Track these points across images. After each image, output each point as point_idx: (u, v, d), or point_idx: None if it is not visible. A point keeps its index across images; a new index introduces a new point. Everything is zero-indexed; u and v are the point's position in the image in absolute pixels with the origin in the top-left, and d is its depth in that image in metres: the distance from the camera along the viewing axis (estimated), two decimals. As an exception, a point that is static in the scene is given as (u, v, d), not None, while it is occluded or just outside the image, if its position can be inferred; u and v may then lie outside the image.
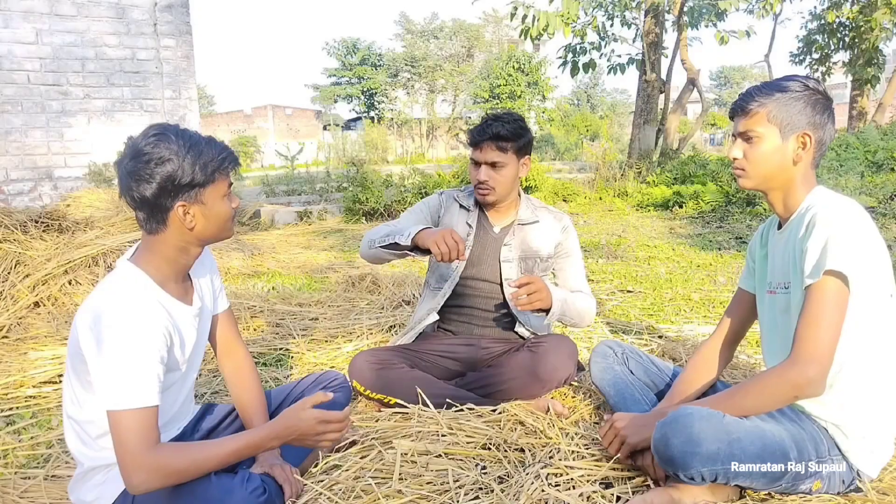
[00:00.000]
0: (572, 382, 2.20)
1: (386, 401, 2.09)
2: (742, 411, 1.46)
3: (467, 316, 2.29)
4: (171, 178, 1.34)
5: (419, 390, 2.04)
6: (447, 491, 1.57)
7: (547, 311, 2.04)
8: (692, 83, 11.42)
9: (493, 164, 2.13)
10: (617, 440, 1.62)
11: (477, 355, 2.23)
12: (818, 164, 1.59)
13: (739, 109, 1.59)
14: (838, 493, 1.50)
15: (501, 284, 2.24)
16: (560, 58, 11.50)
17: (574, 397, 2.19)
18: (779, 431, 1.44)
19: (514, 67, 29.61)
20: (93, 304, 1.34)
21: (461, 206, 2.31)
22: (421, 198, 8.18)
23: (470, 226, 2.27)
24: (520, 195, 2.30)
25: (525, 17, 9.62)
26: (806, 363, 1.38)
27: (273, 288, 4.21)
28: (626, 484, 1.61)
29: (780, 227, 1.65)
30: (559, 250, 2.28)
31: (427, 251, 1.95)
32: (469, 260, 2.24)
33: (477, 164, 2.16)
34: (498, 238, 2.26)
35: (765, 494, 1.52)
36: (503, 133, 2.11)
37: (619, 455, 1.62)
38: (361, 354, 2.17)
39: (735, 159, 1.61)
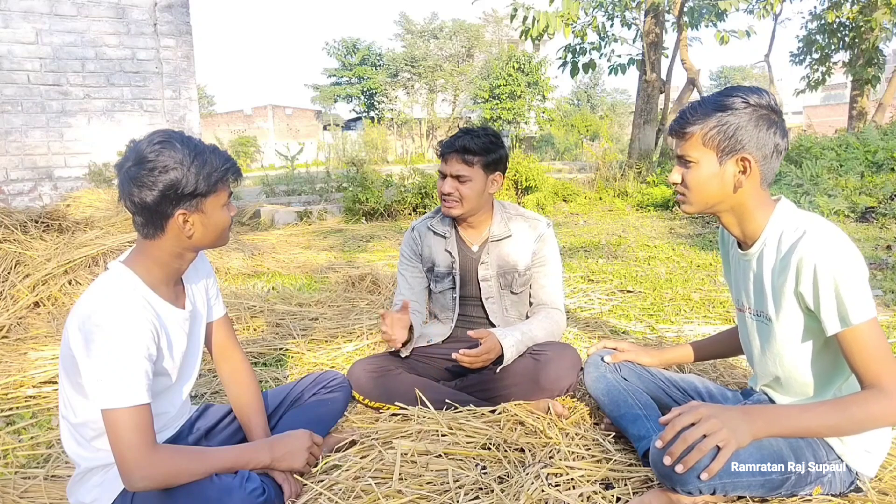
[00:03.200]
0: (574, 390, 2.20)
1: (385, 409, 2.09)
2: (826, 433, 1.39)
3: (461, 324, 2.32)
4: (173, 187, 1.34)
5: (418, 393, 2.03)
6: (447, 491, 1.57)
7: (501, 358, 2.04)
8: (692, 83, 11.42)
9: (458, 178, 2.11)
10: (706, 449, 1.31)
11: None
12: (771, 180, 1.49)
13: (676, 131, 1.49)
14: (839, 494, 1.50)
15: (481, 300, 2.26)
16: (560, 58, 11.51)
17: (574, 398, 2.19)
18: (776, 440, 1.43)
19: (514, 67, 29.58)
20: (81, 305, 1.35)
21: (436, 233, 2.29)
22: (420, 198, 8.18)
23: (451, 254, 2.25)
24: (494, 207, 2.27)
25: (525, 18, 9.63)
26: None
27: (273, 288, 4.21)
28: (625, 484, 1.61)
29: (741, 246, 1.59)
30: (534, 259, 2.25)
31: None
32: (459, 280, 2.27)
33: (443, 176, 2.14)
34: (476, 257, 2.25)
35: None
36: (470, 147, 2.09)
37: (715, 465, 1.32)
38: (359, 363, 2.16)
39: (675, 184, 1.54)
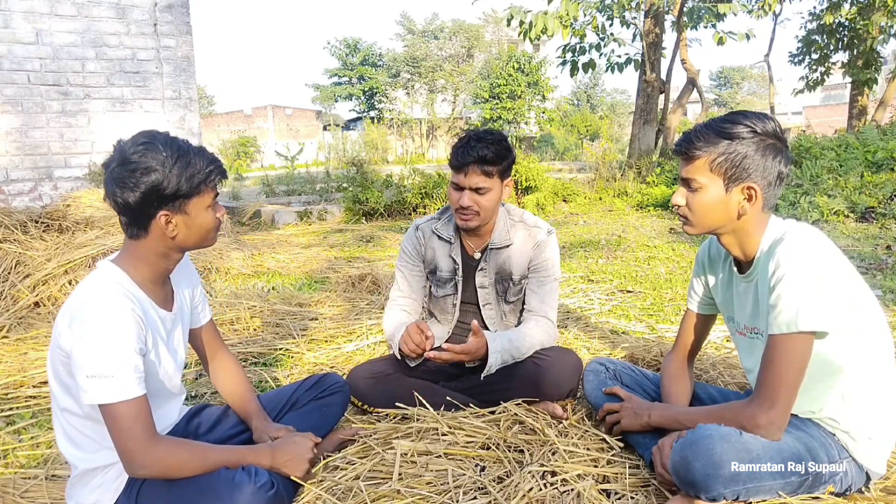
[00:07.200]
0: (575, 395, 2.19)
1: (385, 413, 2.09)
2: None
3: (460, 329, 2.31)
4: (155, 189, 1.35)
5: (417, 395, 2.02)
6: (447, 491, 1.58)
7: (484, 360, 2.01)
8: (692, 83, 11.43)
9: (477, 190, 2.03)
10: (609, 420, 1.81)
11: None
12: (772, 205, 1.51)
13: (682, 153, 1.51)
14: (845, 492, 1.50)
15: (478, 305, 2.24)
16: (559, 57, 11.52)
17: (574, 400, 2.19)
18: (792, 441, 1.44)
19: (514, 67, 29.57)
20: (70, 302, 1.36)
21: (441, 238, 2.23)
22: (420, 198, 8.17)
23: (455, 261, 2.22)
24: (499, 213, 2.21)
25: (522, 22, 9.67)
26: (776, 410, 1.40)
27: (273, 288, 4.21)
28: (624, 483, 1.61)
29: (740, 269, 1.60)
30: (530, 267, 2.19)
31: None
32: (462, 286, 2.25)
33: (459, 188, 2.05)
34: (476, 263, 2.23)
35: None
36: (489, 156, 1.99)
37: (609, 429, 1.82)
38: (357, 370, 2.15)
39: (678, 206, 1.54)
